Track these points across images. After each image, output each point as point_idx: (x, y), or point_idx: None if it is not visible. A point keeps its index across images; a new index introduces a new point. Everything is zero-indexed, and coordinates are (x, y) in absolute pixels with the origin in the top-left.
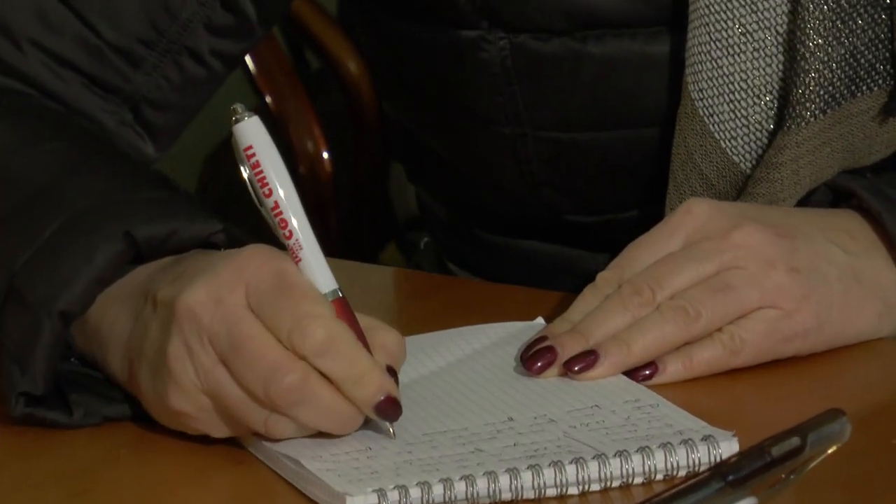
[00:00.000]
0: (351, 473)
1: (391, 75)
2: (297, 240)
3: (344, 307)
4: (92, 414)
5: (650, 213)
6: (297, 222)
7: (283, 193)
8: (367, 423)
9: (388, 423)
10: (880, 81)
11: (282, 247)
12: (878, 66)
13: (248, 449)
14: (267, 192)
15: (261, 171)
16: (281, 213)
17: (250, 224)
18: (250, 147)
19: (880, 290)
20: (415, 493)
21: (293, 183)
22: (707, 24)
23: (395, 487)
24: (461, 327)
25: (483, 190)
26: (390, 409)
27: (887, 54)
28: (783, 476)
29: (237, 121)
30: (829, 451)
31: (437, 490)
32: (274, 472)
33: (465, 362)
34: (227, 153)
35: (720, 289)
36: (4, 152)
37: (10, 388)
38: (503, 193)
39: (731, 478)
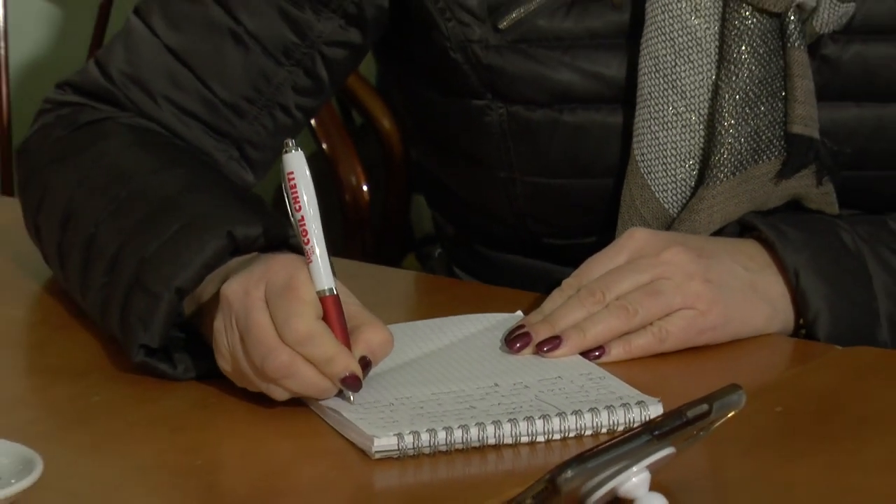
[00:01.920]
0: (377, 422)
1: (416, 129)
2: (312, 245)
3: (334, 302)
4: (189, 369)
5: (604, 238)
6: (314, 233)
7: (309, 211)
8: (388, 389)
9: (349, 393)
10: (776, 152)
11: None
12: (774, 141)
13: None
14: (297, 207)
15: (295, 191)
16: (304, 224)
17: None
18: (291, 173)
19: (770, 298)
20: (424, 437)
21: (319, 205)
22: (649, 106)
23: (409, 433)
24: (460, 315)
25: (482, 216)
26: (352, 383)
27: (781, 133)
28: (695, 432)
29: (286, 151)
30: (729, 415)
31: (441, 435)
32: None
33: (463, 341)
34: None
35: (652, 293)
36: (145, 173)
37: (134, 341)
38: (497, 219)
39: (656, 432)
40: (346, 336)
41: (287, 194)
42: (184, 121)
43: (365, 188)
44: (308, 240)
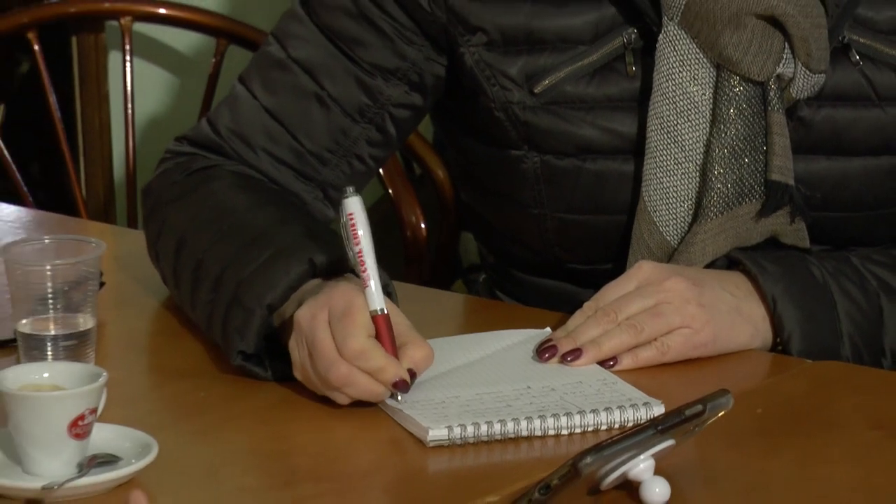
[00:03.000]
0: (431, 416)
1: (464, 175)
2: (367, 273)
3: (384, 320)
4: (277, 371)
5: (618, 265)
6: (369, 263)
7: (364, 245)
8: (439, 389)
9: (398, 394)
10: (757, 196)
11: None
12: (756, 186)
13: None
14: (355, 242)
15: (354, 228)
16: (361, 256)
17: None
18: (352, 214)
19: (753, 320)
20: (470, 429)
21: (384, 241)
22: (655, 156)
23: (458, 425)
24: (499, 330)
25: (518, 246)
26: (402, 387)
27: (762, 180)
28: (691, 428)
29: (346, 196)
30: (719, 415)
31: (483, 428)
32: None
33: (501, 351)
34: None
35: (656, 315)
36: (243, 210)
37: (233, 348)
38: (530, 249)
39: (659, 427)
40: (394, 348)
41: (346, 231)
42: (277, 168)
43: (423, 226)
44: (364, 269)
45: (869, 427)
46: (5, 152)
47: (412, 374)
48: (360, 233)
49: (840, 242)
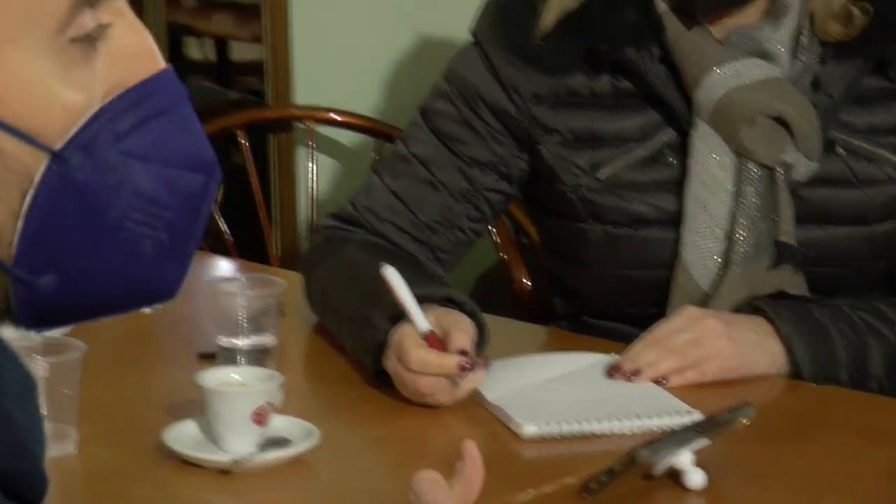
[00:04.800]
0: (526, 414)
1: (546, 244)
2: (409, 311)
3: (431, 337)
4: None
5: (661, 310)
6: (410, 307)
7: (402, 295)
8: (531, 394)
9: (458, 379)
10: (769, 253)
11: None
12: (768, 246)
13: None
14: (397, 296)
15: (393, 290)
16: (402, 303)
17: None
18: (388, 281)
19: (771, 353)
20: (555, 426)
21: (497, 295)
22: (690, 225)
23: (545, 423)
24: (578, 351)
25: (586, 298)
26: (465, 367)
27: (773, 241)
28: (722, 431)
29: (382, 269)
30: (744, 421)
31: (566, 426)
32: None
33: (581, 368)
34: None
35: (698, 345)
36: (369, 266)
37: (372, 363)
38: (595, 299)
39: (698, 429)
40: (444, 349)
41: (393, 290)
42: (399, 235)
43: (527, 282)
44: (407, 310)
45: (855, 434)
46: (221, 221)
47: (465, 353)
48: (399, 290)
49: (832, 292)
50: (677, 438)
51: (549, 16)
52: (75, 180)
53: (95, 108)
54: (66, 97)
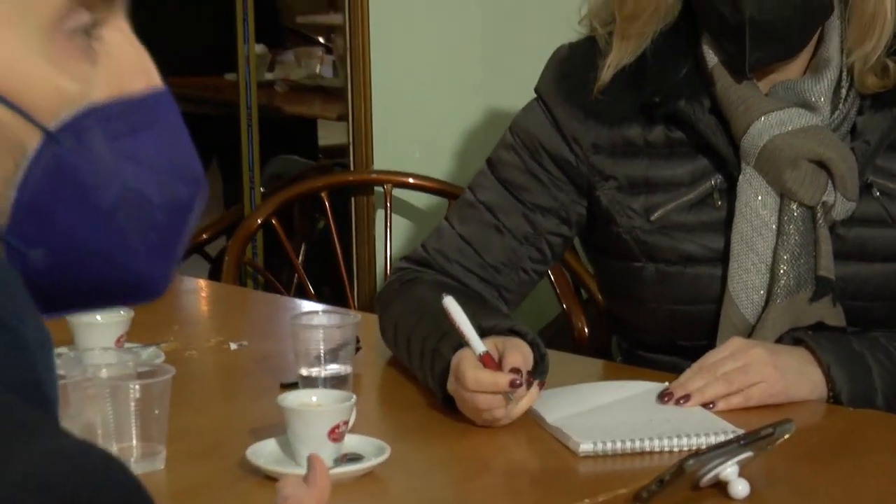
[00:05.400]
0: (583, 433)
1: (604, 281)
2: (465, 335)
3: (486, 357)
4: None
5: (711, 341)
6: (466, 332)
7: (459, 323)
8: (587, 417)
9: (510, 395)
10: (810, 287)
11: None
12: (809, 280)
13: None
14: (455, 324)
15: (451, 318)
16: (460, 329)
17: None
18: (448, 310)
19: (812, 380)
20: (609, 444)
21: (559, 339)
22: (737, 261)
23: (601, 441)
24: (630, 380)
25: (640, 332)
26: (515, 384)
27: (813, 275)
28: (765, 446)
29: (442, 299)
30: (785, 437)
31: (619, 444)
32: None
33: (633, 395)
34: None
35: (743, 372)
36: (435, 303)
37: (439, 390)
38: (649, 333)
39: (742, 442)
40: (499, 368)
41: (452, 317)
42: (467, 275)
43: (586, 331)
44: (463, 335)
45: (891, 452)
46: (304, 276)
47: (518, 371)
48: (457, 316)
49: (867, 324)
50: (723, 451)
51: (607, 72)
52: (68, 161)
53: (90, 104)
54: (60, 82)
